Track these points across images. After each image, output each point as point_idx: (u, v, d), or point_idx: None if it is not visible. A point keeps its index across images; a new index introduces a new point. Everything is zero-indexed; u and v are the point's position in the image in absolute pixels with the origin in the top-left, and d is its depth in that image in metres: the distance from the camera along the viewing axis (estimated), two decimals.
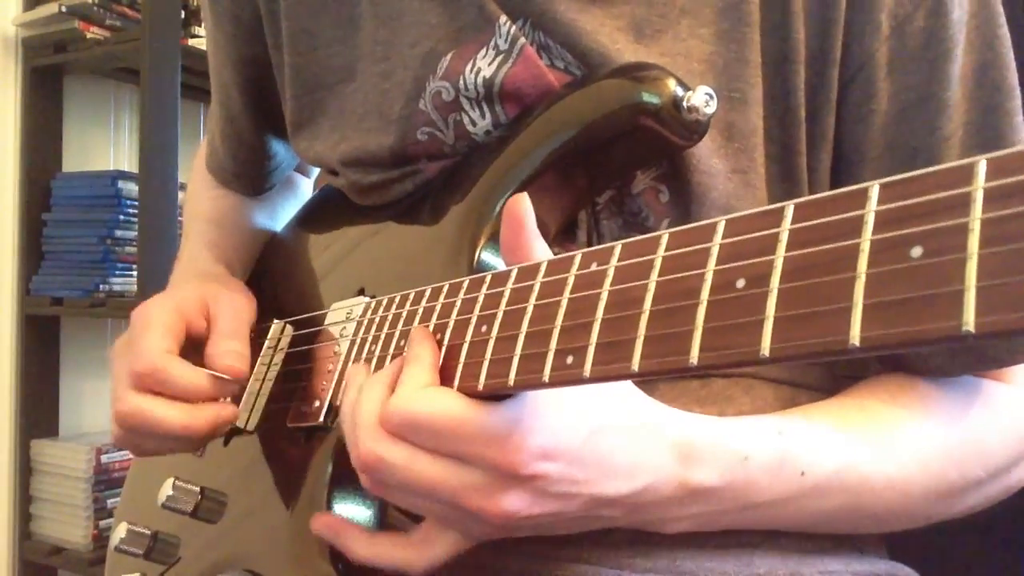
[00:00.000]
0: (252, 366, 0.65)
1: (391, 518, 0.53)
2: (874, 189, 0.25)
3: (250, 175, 0.82)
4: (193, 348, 0.64)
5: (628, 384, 0.46)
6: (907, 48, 0.53)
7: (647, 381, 0.53)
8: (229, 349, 0.63)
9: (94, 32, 1.88)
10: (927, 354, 0.54)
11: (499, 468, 0.41)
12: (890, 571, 0.58)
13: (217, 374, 0.61)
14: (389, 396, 0.45)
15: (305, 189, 0.92)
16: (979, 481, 0.54)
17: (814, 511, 0.50)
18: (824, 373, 0.59)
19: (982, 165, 0.21)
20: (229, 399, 0.63)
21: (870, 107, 0.54)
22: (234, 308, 0.66)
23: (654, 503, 0.46)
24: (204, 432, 0.60)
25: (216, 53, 0.75)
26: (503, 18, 0.56)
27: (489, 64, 0.56)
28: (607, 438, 0.43)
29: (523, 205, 0.44)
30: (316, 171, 0.92)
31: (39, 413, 1.96)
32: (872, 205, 0.24)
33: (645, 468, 0.44)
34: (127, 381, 0.61)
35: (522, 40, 0.55)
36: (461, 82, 0.57)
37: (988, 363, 0.55)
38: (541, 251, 0.43)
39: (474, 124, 0.57)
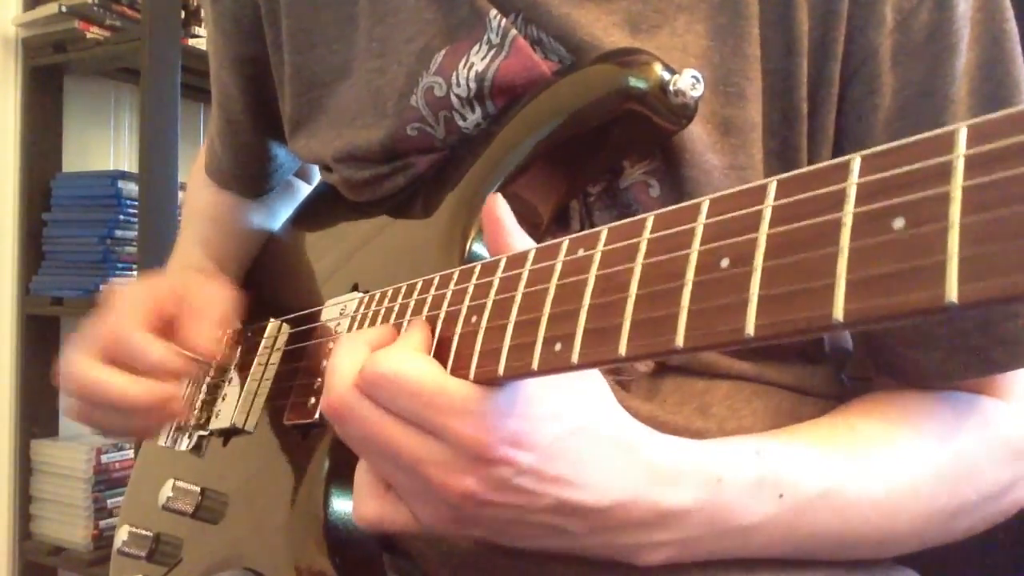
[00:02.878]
0: (233, 360, 0.65)
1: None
2: (856, 161, 0.24)
3: (250, 177, 0.81)
4: (166, 332, 0.63)
5: (613, 400, 0.45)
6: (911, 42, 0.52)
7: (651, 382, 0.53)
8: (198, 329, 0.61)
9: (94, 32, 1.88)
10: (925, 359, 0.53)
11: (466, 446, 0.40)
12: (889, 573, 0.58)
13: (184, 351, 0.60)
14: (368, 356, 0.44)
15: (304, 193, 0.92)
16: (973, 504, 0.53)
17: (796, 535, 0.49)
18: (830, 378, 0.58)
19: (962, 132, 0.21)
20: (193, 382, 0.62)
21: (873, 102, 0.53)
22: (207, 294, 0.65)
23: (624, 526, 0.44)
24: (142, 403, 0.58)
25: (216, 54, 0.75)
26: (493, 12, 0.56)
27: (482, 59, 0.56)
28: (584, 443, 0.42)
29: (498, 205, 0.44)
30: (317, 178, 0.91)
31: (39, 413, 1.96)
32: (854, 177, 0.24)
33: (616, 484, 0.43)
34: (85, 348, 0.60)
35: (513, 32, 0.55)
36: (454, 78, 0.56)
37: (989, 366, 0.53)
38: (525, 246, 0.43)
39: (464, 119, 0.57)
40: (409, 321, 0.47)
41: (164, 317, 0.64)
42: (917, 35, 0.52)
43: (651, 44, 0.53)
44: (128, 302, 0.62)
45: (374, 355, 0.43)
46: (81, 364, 0.60)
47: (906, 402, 0.54)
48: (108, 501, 1.89)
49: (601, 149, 0.53)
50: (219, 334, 0.63)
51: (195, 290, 0.65)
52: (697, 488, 0.45)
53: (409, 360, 0.41)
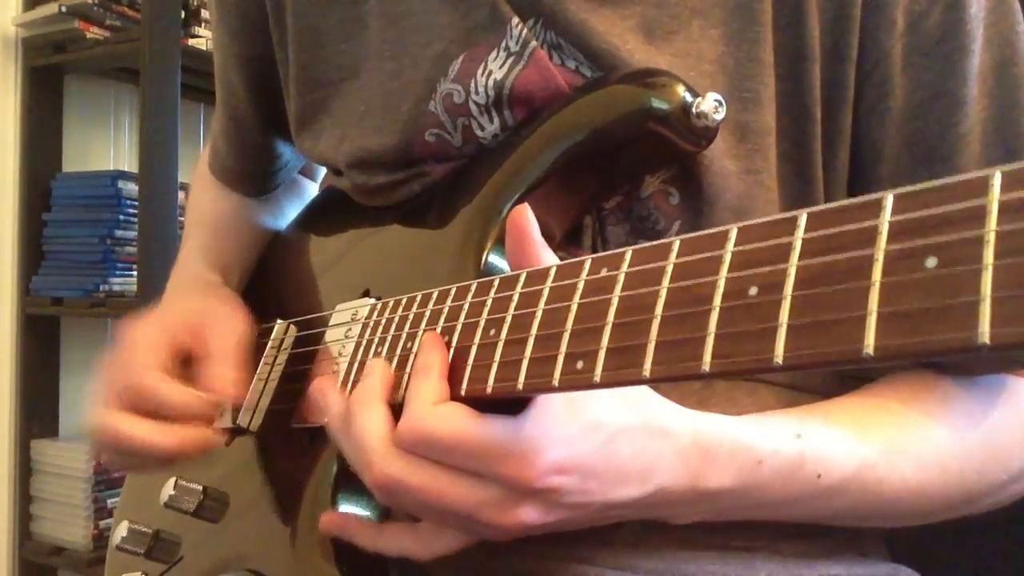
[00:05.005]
0: (251, 375, 0.65)
1: (394, 516, 0.53)
2: (888, 199, 0.25)
3: (254, 175, 0.81)
4: (183, 368, 0.63)
5: (645, 389, 0.45)
6: (923, 44, 0.53)
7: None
8: (222, 373, 0.61)
9: (94, 32, 1.87)
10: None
11: (513, 484, 0.41)
12: (891, 573, 0.58)
13: (208, 396, 0.60)
14: (387, 411, 0.45)
15: (310, 192, 0.91)
16: (1000, 484, 0.53)
17: (827, 510, 0.50)
18: (828, 376, 0.58)
19: (997, 177, 0.22)
20: (211, 424, 0.61)
21: (886, 104, 0.53)
22: (229, 329, 0.65)
23: (665, 503, 0.46)
24: (172, 451, 0.58)
25: (221, 51, 0.75)
26: (515, 19, 0.56)
27: (500, 66, 0.56)
28: (621, 445, 0.43)
29: (525, 216, 0.44)
30: (321, 175, 0.91)
31: (39, 413, 1.96)
32: (886, 215, 0.24)
33: (657, 472, 0.44)
34: (105, 397, 0.60)
35: (533, 43, 0.55)
36: (472, 85, 0.57)
37: (1012, 366, 0.54)
38: (548, 260, 0.43)
39: (482, 128, 0.57)
40: (420, 344, 0.47)
41: (182, 352, 0.64)
42: (928, 37, 0.53)
43: (667, 50, 0.54)
44: (145, 344, 0.62)
45: (400, 425, 0.43)
46: (109, 418, 0.59)
47: (935, 382, 0.54)
48: (108, 501, 1.88)
49: (618, 167, 0.53)
50: (239, 373, 0.63)
51: (215, 326, 0.65)
52: (737, 472, 0.46)
53: (433, 419, 0.42)
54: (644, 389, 0.45)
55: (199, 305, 0.68)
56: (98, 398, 0.61)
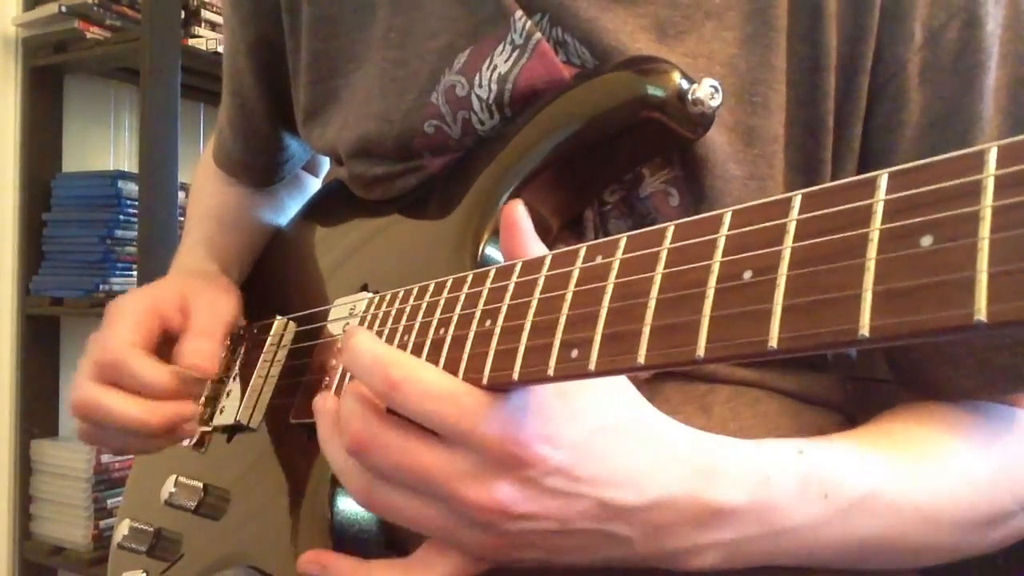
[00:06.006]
0: (229, 365, 0.65)
1: (395, 531, 0.53)
2: (883, 178, 0.24)
3: (260, 166, 0.81)
4: (168, 344, 0.63)
5: (640, 398, 0.44)
6: (940, 59, 0.52)
7: (654, 383, 0.52)
8: (198, 347, 0.62)
9: (94, 32, 1.88)
10: (954, 375, 0.52)
11: (494, 449, 0.39)
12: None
13: (181, 371, 0.60)
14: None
15: (312, 189, 0.91)
16: (1010, 513, 0.52)
17: (841, 539, 0.47)
18: (833, 385, 0.58)
19: (992, 152, 0.21)
20: (194, 400, 0.61)
21: (900, 118, 0.53)
22: (211, 306, 0.66)
23: (672, 525, 0.43)
24: (160, 428, 0.59)
25: (231, 39, 0.75)
26: (518, 13, 0.55)
27: (505, 61, 0.55)
28: (614, 440, 0.41)
29: (517, 210, 0.43)
30: (325, 171, 0.91)
31: (39, 413, 1.96)
32: (881, 194, 0.24)
33: (656, 480, 0.42)
34: (88, 371, 0.60)
35: (537, 35, 0.55)
36: (477, 79, 0.56)
37: (1018, 385, 0.52)
38: (539, 252, 0.43)
39: (482, 123, 0.57)
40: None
41: (167, 327, 0.64)
42: (946, 52, 0.52)
43: (678, 50, 0.53)
44: (125, 318, 0.62)
45: (395, 367, 0.42)
46: (85, 388, 0.60)
47: (941, 410, 0.53)
48: (108, 501, 1.89)
49: (616, 156, 0.53)
50: (218, 350, 0.63)
51: (198, 301, 0.65)
52: (748, 486, 0.44)
53: (428, 370, 0.41)
54: (643, 402, 0.44)
55: (188, 284, 0.68)
56: (80, 372, 0.61)
